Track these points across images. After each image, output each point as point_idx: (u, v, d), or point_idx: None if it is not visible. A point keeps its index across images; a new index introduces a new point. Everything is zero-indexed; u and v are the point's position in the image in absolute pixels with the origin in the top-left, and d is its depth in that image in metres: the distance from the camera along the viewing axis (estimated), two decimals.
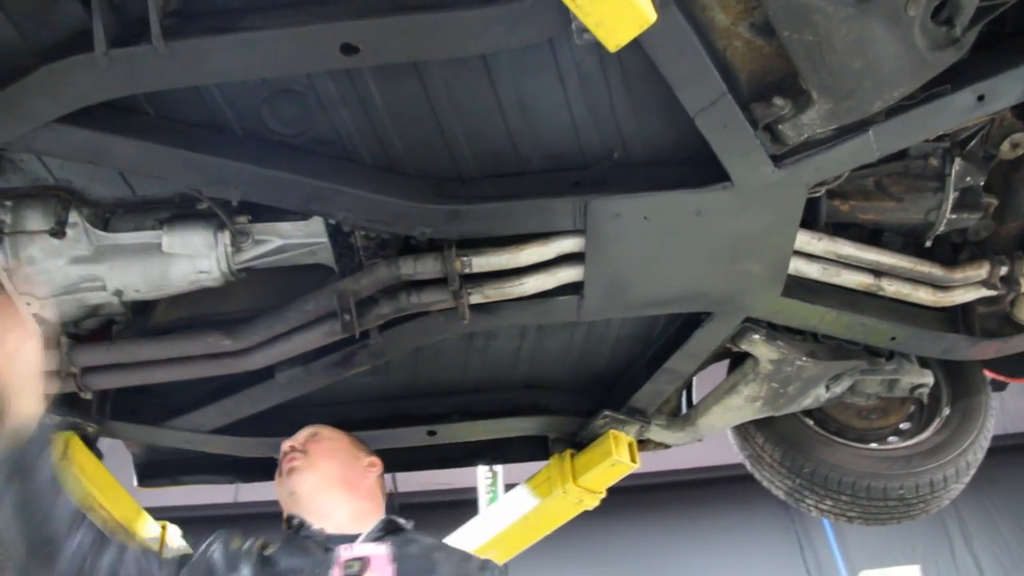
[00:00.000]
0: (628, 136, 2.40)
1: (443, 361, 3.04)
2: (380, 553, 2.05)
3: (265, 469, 3.39)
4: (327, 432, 2.69)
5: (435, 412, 3.13)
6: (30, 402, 1.96)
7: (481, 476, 5.64)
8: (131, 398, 3.07)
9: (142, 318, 2.84)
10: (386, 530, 2.32)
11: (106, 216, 2.61)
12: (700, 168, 2.38)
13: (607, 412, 3.11)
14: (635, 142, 2.42)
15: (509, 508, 3.50)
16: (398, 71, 2.18)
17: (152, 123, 2.27)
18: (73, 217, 2.54)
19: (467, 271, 2.48)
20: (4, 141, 2.22)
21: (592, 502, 3.28)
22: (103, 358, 2.76)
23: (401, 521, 2.37)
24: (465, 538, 3.71)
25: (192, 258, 2.55)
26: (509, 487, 5.09)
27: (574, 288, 2.61)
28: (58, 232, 2.50)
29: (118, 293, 2.64)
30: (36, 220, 2.55)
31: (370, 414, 3.12)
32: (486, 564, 2.32)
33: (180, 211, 2.57)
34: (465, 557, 2.35)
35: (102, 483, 3.18)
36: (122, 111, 2.23)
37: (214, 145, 2.28)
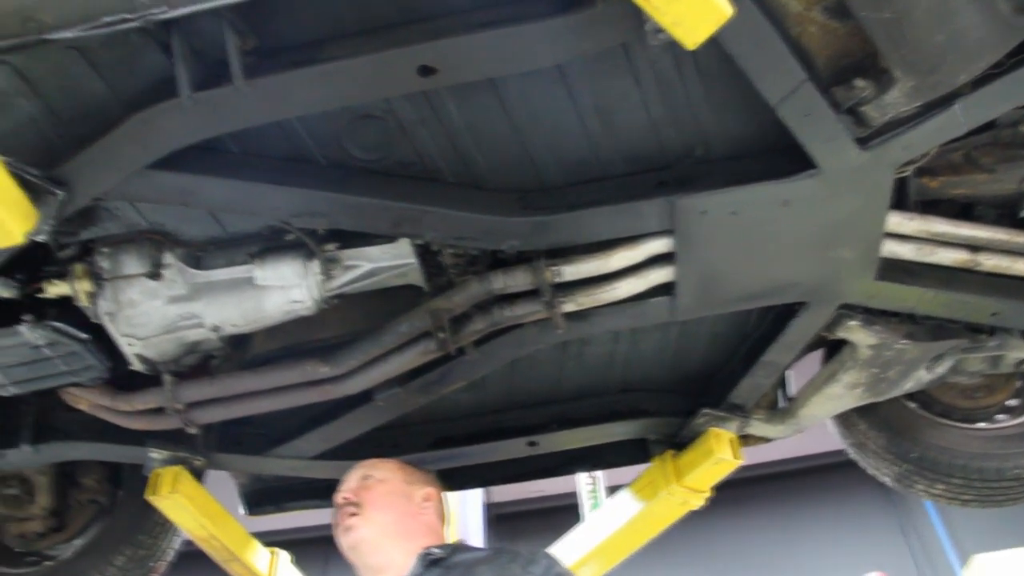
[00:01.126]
0: (708, 132, 2.38)
1: (538, 371, 3.04)
2: None
3: None
4: (380, 472, 2.70)
5: (534, 423, 3.14)
6: None
7: (582, 483, 5.63)
8: (235, 430, 3.14)
9: (240, 351, 2.90)
10: (424, 566, 2.36)
11: (198, 255, 2.66)
12: (784, 158, 2.35)
13: (706, 410, 3.08)
14: (716, 137, 2.39)
15: (614, 513, 3.49)
16: (475, 88, 2.19)
17: (238, 161, 2.32)
18: (167, 258, 2.60)
19: (558, 280, 2.48)
20: (101, 191, 2.28)
21: (697, 501, 3.25)
22: (206, 393, 2.83)
23: (436, 552, 2.39)
24: (571, 546, 3.71)
25: (285, 289, 2.59)
26: (611, 491, 5.08)
27: (666, 289, 2.59)
28: (155, 274, 2.57)
29: (216, 329, 2.70)
30: (133, 264, 2.62)
31: (469, 429, 3.14)
32: (532, 558, 2.30)
33: (269, 244, 2.61)
34: (511, 558, 2.32)
35: (213, 513, 3.26)
36: (209, 151, 2.27)
37: (300, 177, 2.32)
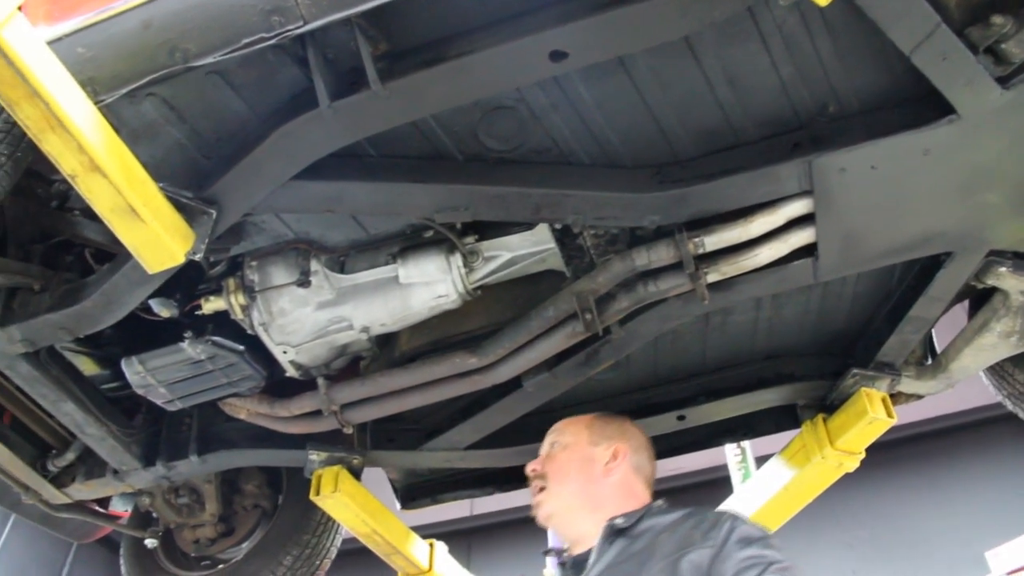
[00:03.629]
0: (840, 88, 2.33)
1: (682, 345, 3.04)
2: None
3: (522, 476, 3.49)
4: (565, 437, 2.66)
5: (681, 397, 3.14)
6: None
7: (730, 454, 5.58)
8: (388, 427, 3.23)
9: (387, 351, 2.97)
10: (608, 538, 2.31)
11: (342, 260, 2.74)
12: (921, 106, 2.29)
13: (855, 371, 3.03)
14: (848, 93, 2.35)
15: (765, 482, 3.45)
16: (604, 68, 2.19)
17: (377, 164, 2.38)
18: (314, 266, 2.69)
19: (700, 251, 2.47)
20: (250, 207, 2.37)
21: (852, 464, 3.20)
22: (359, 393, 2.91)
23: (619, 522, 2.33)
24: None
25: (429, 284, 2.65)
26: (759, 462, 5.02)
27: (808, 251, 2.55)
28: (304, 282, 2.66)
29: (365, 330, 2.77)
30: (281, 274, 2.71)
31: (617, 408, 3.15)
32: (716, 522, 2.19)
33: (410, 243, 2.67)
34: (695, 524, 2.22)
35: (373, 510, 3.35)
36: (348, 158, 2.34)
37: (439, 173, 2.37)
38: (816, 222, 2.47)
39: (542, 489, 2.56)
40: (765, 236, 2.49)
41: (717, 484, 6.26)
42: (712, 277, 2.54)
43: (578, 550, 2.42)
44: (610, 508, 2.41)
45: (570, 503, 2.50)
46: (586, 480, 2.52)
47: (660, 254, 2.50)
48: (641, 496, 2.54)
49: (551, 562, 5.14)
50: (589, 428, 2.66)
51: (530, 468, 2.65)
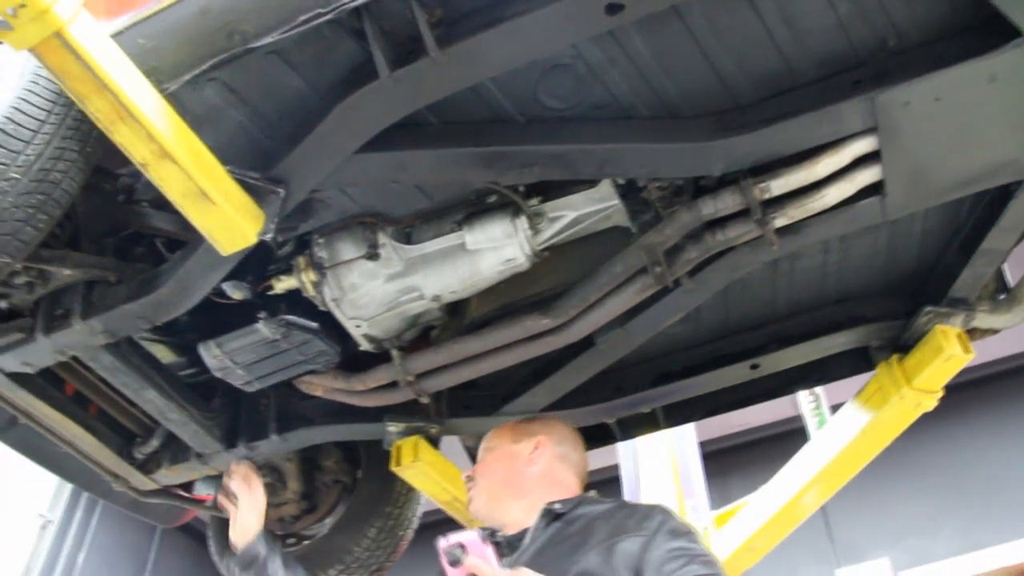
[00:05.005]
0: (899, 21, 2.29)
1: (751, 294, 3.02)
2: (473, 538, 2.12)
3: (598, 436, 3.52)
4: (490, 443, 2.89)
5: (753, 346, 3.11)
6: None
7: (804, 402, 5.54)
8: (463, 395, 3.25)
9: (458, 319, 3.00)
10: (547, 519, 2.50)
11: (407, 231, 2.76)
12: (984, 33, 2.24)
13: (929, 308, 2.99)
14: (907, 25, 2.30)
15: (843, 427, 3.43)
16: (659, 19, 2.17)
17: (439, 131, 2.39)
18: (381, 238, 2.71)
19: (767, 197, 2.45)
20: (316, 183, 2.40)
21: (931, 403, 3.17)
22: (433, 361, 2.94)
23: (557, 506, 2.52)
24: (800, 466, 3.69)
25: (497, 249, 2.66)
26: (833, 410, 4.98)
27: (875, 189, 2.52)
28: (373, 255, 2.68)
29: (436, 298, 2.80)
30: (349, 249, 2.74)
31: (688, 362, 3.15)
32: (648, 513, 2.40)
33: (474, 209, 2.69)
34: (629, 513, 2.43)
35: (452, 477, 3.39)
36: (410, 127, 2.34)
37: (500, 136, 2.37)
38: (882, 159, 2.43)
39: (471, 489, 2.79)
40: (831, 177, 2.45)
41: (790, 436, 6.21)
42: (780, 222, 2.52)
43: (511, 532, 2.56)
44: (537, 495, 2.62)
45: (496, 493, 2.71)
46: (510, 471, 2.73)
47: (726, 202, 2.48)
48: (569, 485, 2.73)
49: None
50: (512, 430, 2.89)
51: (464, 476, 2.87)
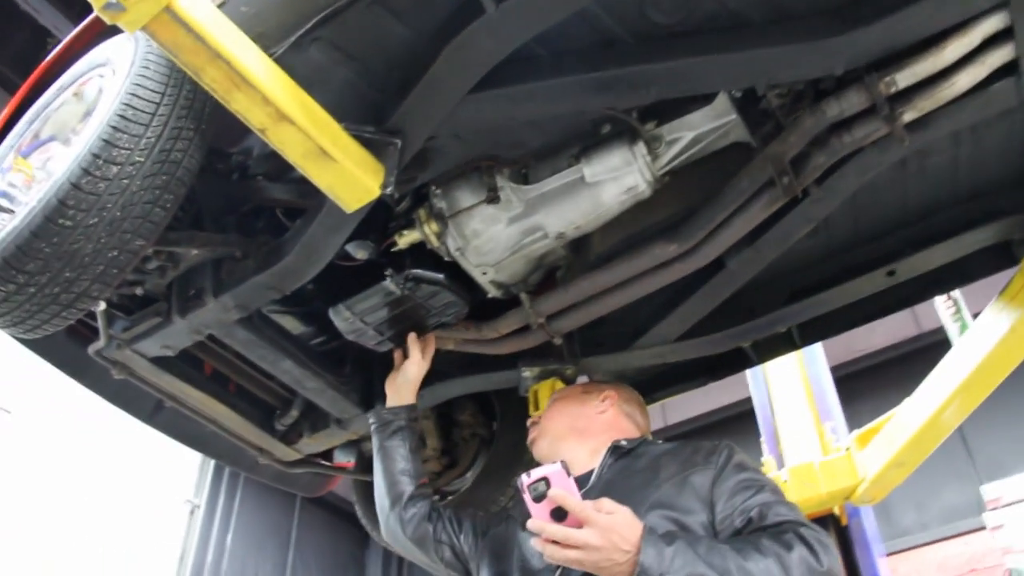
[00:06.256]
0: None
1: (881, 198, 2.89)
2: (556, 470, 2.08)
3: (733, 362, 3.45)
4: (559, 395, 2.91)
5: (887, 252, 2.97)
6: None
7: (942, 309, 5.35)
8: (594, 333, 3.22)
9: (582, 256, 2.95)
10: (615, 456, 2.54)
11: (524, 171, 2.73)
12: None
13: None
14: None
15: (987, 330, 3.32)
16: None
17: (550, 62, 2.34)
18: (499, 181, 2.69)
19: (893, 90, 2.33)
20: (433, 130, 2.39)
21: None
22: (563, 301, 2.91)
23: (624, 444, 2.57)
24: (947, 373, 3.58)
25: (617, 179, 2.61)
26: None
27: (1008, 69, 2.38)
28: (493, 198, 2.66)
29: (560, 236, 2.77)
30: (467, 196, 2.73)
31: (822, 275, 3.04)
32: (713, 449, 2.43)
33: (588, 141, 2.64)
34: (695, 450, 2.46)
35: None
36: (519, 62, 2.29)
37: (612, 59, 2.31)
38: (1015, 35, 2.28)
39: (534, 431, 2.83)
40: (960, 61, 2.32)
41: (915, 356, 6.01)
42: (908, 116, 2.40)
43: (576, 473, 2.50)
44: (602, 439, 2.63)
45: (561, 433, 2.72)
46: (577, 414, 2.75)
47: (851, 101, 2.37)
48: (632, 436, 2.72)
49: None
50: (581, 386, 2.96)
51: (530, 421, 2.91)
